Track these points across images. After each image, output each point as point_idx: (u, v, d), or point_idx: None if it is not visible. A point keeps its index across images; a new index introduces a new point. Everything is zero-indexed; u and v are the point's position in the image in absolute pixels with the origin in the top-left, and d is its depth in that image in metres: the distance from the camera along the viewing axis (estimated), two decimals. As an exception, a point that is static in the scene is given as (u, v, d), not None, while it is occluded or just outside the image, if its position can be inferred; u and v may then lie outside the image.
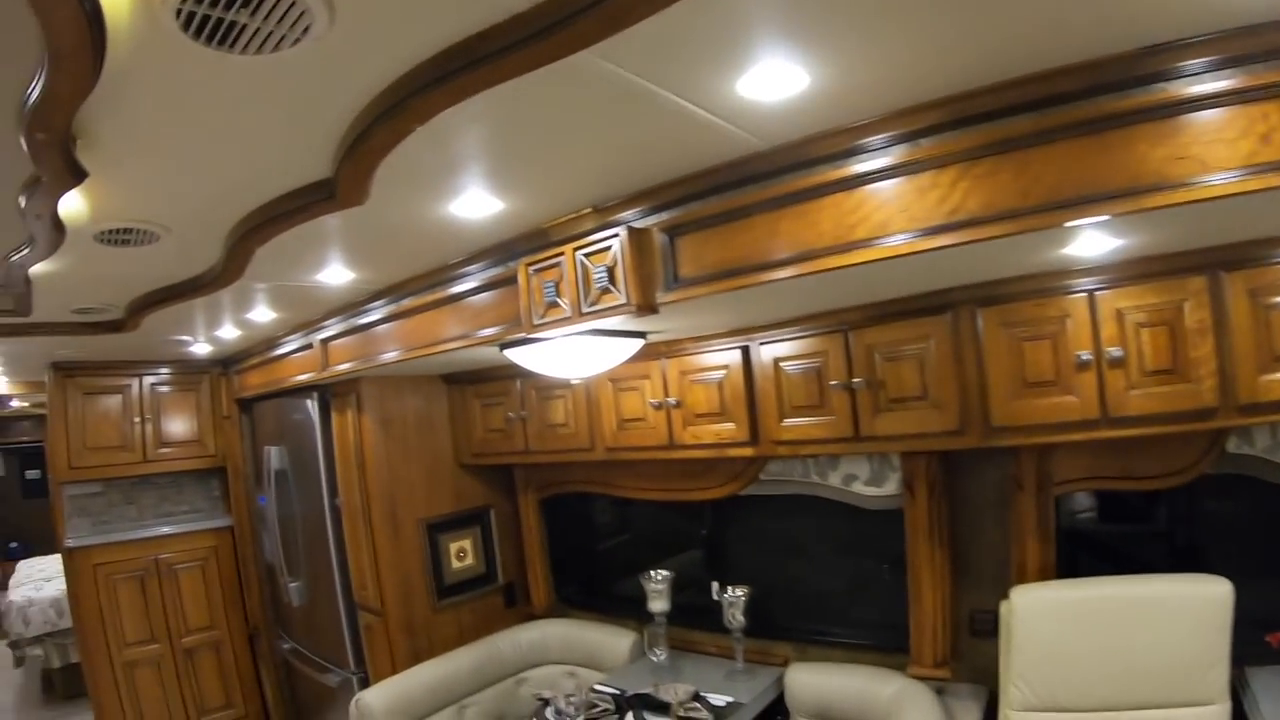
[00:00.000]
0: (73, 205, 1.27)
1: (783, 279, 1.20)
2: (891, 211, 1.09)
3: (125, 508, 3.60)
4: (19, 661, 4.47)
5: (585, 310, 1.44)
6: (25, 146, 0.91)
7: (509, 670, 2.48)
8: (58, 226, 1.30)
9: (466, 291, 1.78)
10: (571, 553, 2.79)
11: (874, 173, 1.11)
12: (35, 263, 1.54)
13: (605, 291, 1.40)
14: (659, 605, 2.24)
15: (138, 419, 3.38)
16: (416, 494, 2.66)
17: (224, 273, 1.70)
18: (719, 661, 2.23)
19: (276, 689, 3.61)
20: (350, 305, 2.20)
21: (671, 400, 2.01)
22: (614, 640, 2.38)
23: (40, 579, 4.69)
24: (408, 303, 1.96)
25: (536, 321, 1.53)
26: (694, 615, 2.32)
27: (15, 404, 5.51)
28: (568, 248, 1.43)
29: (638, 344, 1.78)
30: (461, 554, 2.76)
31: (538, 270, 1.51)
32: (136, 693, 3.37)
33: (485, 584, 2.84)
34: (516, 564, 2.92)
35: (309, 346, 2.56)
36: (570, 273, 1.42)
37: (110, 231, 1.44)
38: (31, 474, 6.80)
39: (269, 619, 3.59)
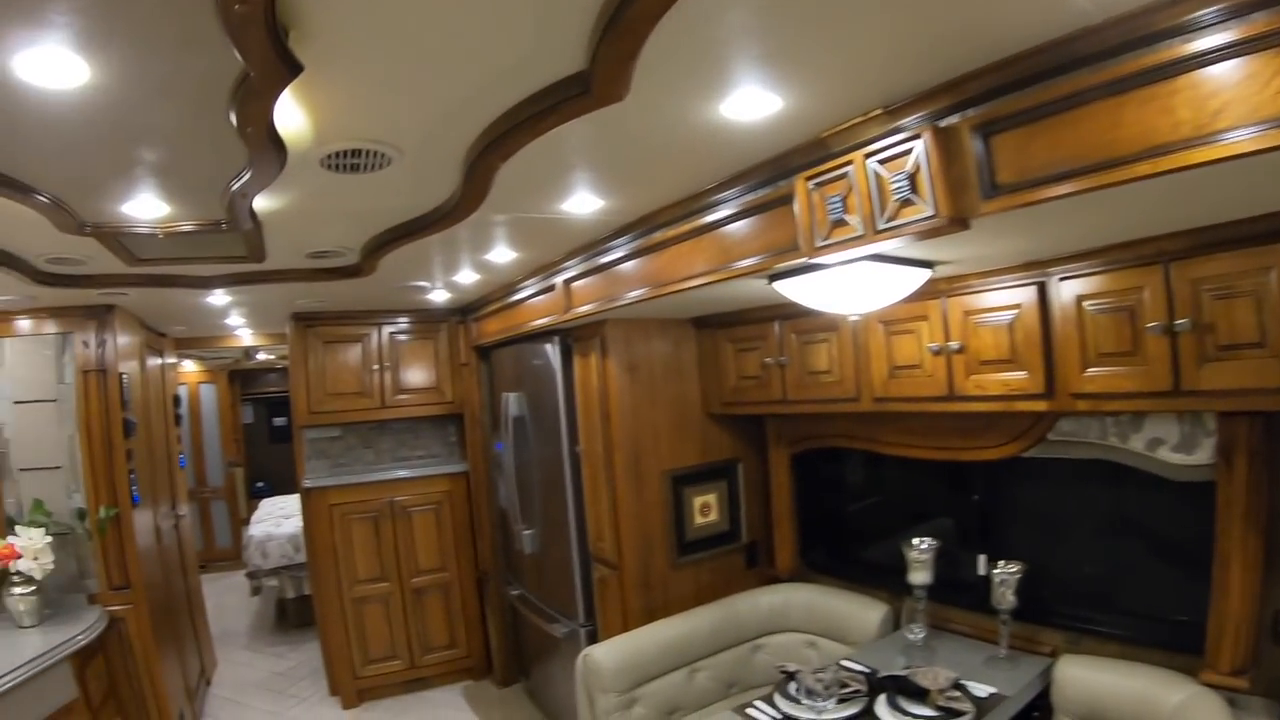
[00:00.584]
0: (292, 123, 1.30)
1: (1133, 180, 1.12)
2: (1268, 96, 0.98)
3: (363, 451, 4.48)
4: (255, 591, 5.70)
5: (881, 227, 1.44)
6: (223, 24, 0.89)
7: (746, 635, 2.67)
8: (276, 143, 1.33)
9: (723, 220, 1.83)
10: (819, 513, 2.94)
11: (1229, 47, 1.01)
12: (257, 190, 1.62)
13: (905, 204, 1.39)
14: (920, 577, 2.26)
15: (376, 367, 4.10)
16: (662, 444, 2.98)
17: (462, 201, 1.79)
18: (977, 645, 2.27)
19: (501, 634, 4.28)
20: (593, 243, 2.40)
21: (953, 345, 2.04)
22: (862, 612, 2.50)
23: (280, 516, 5.88)
24: (656, 236, 2.07)
25: (819, 243, 1.54)
26: (949, 590, 2.37)
27: (261, 356, 6.86)
28: (856, 155, 1.42)
29: (924, 276, 1.83)
30: (705, 509, 3.06)
31: (820, 184, 1.51)
32: (363, 627, 4.21)
33: (727, 542, 3.12)
34: (762, 522, 3.17)
35: (550, 289, 2.83)
36: (861, 184, 1.42)
37: (337, 155, 1.47)
38: (278, 421, 8.55)
39: (499, 565, 4.23)
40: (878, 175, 1.40)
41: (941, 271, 1.93)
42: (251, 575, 5.53)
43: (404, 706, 4.17)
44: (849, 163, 1.44)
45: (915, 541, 2.33)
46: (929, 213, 1.33)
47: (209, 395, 7.79)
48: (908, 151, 1.34)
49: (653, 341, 2.97)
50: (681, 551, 3.00)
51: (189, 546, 4.94)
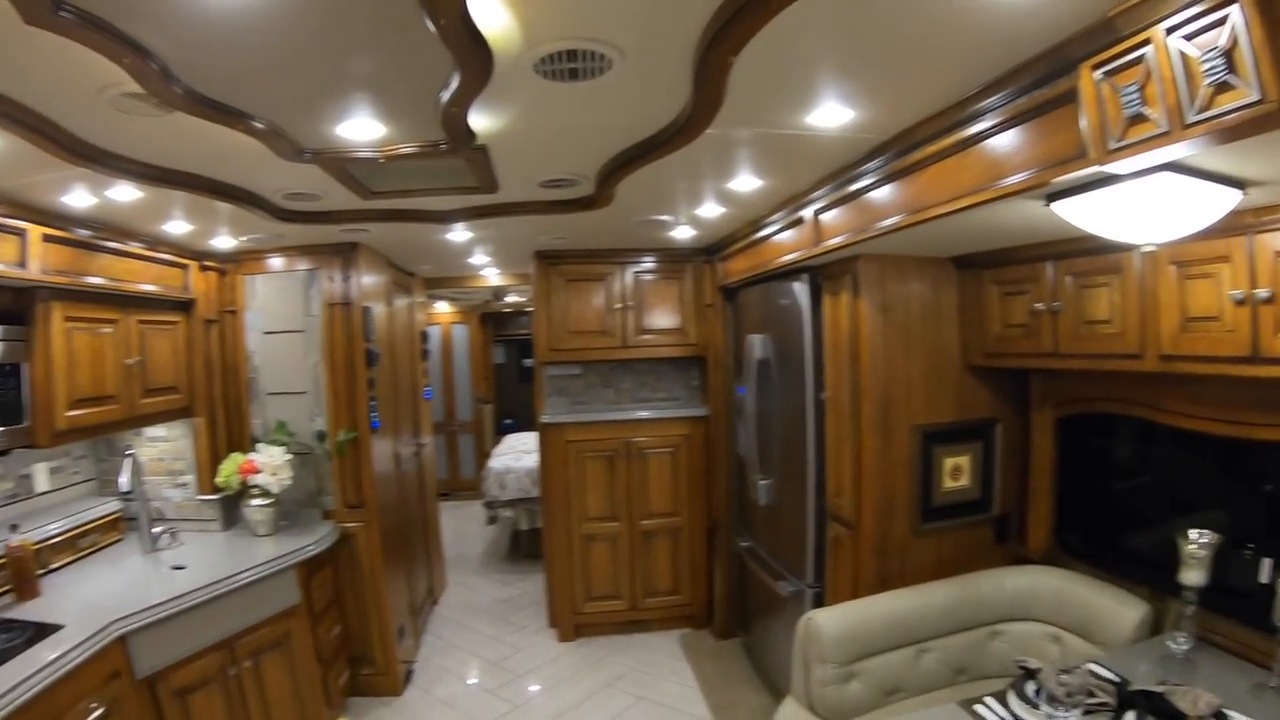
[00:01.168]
0: (496, 21, 1.40)
1: None
2: None
3: (603, 390, 5.12)
4: (491, 520, 6.92)
5: (1190, 120, 1.31)
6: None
7: (984, 619, 2.75)
8: (477, 40, 1.43)
9: (988, 131, 1.83)
10: (1080, 490, 2.92)
11: None
12: (468, 100, 1.77)
13: (1222, 88, 1.28)
14: (1194, 576, 2.17)
15: (619, 306, 4.65)
16: (914, 395, 3.13)
17: (695, 112, 1.87)
18: (1246, 668, 2.13)
19: (726, 585, 4.74)
20: (844, 169, 2.50)
21: (1261, 293, 1.90)
22: (1119, 609, 2.46)
23: (521, 451, 6.94)
24: (912, 156, 2.12)
25: (1113, 145, 1.47)
26: (1218, 597, 2.22)
27: (511, 298, 7.93)
28: (1153, 33, 1.34)
29: (1232, 199, 1.74)
30: (956, 472, 3.18)
31: (1109, 73, 1.44)
32: (589, 563, 4.82)
33: (976, 511, 3.22)
34: (1016, 493, 3.22)
35: (798, 222, 2.99)
36: (1162, 67, 1.34)
37: (550, 58, 1.57)
38: (528, 362, 10.31)
39: (731, 514, 4.68)
40: (1183, 54, 1.31)
41: (1253, 199, 1.83)
42: (489, 505, 6.61)
43: (618, 646, 4.78)
44: (1145, 42, 1.36)
45: (1192, 533, 2.18)
46: (1253, 97, 1.22)
47: (461, 335, 9.42)
48: (1221, 21, 1.24)
49: (909, 282, 3.11)
50: (925, 517, 3.15)
51: (429, 474, 5.94)
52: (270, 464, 3.81)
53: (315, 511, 4.20)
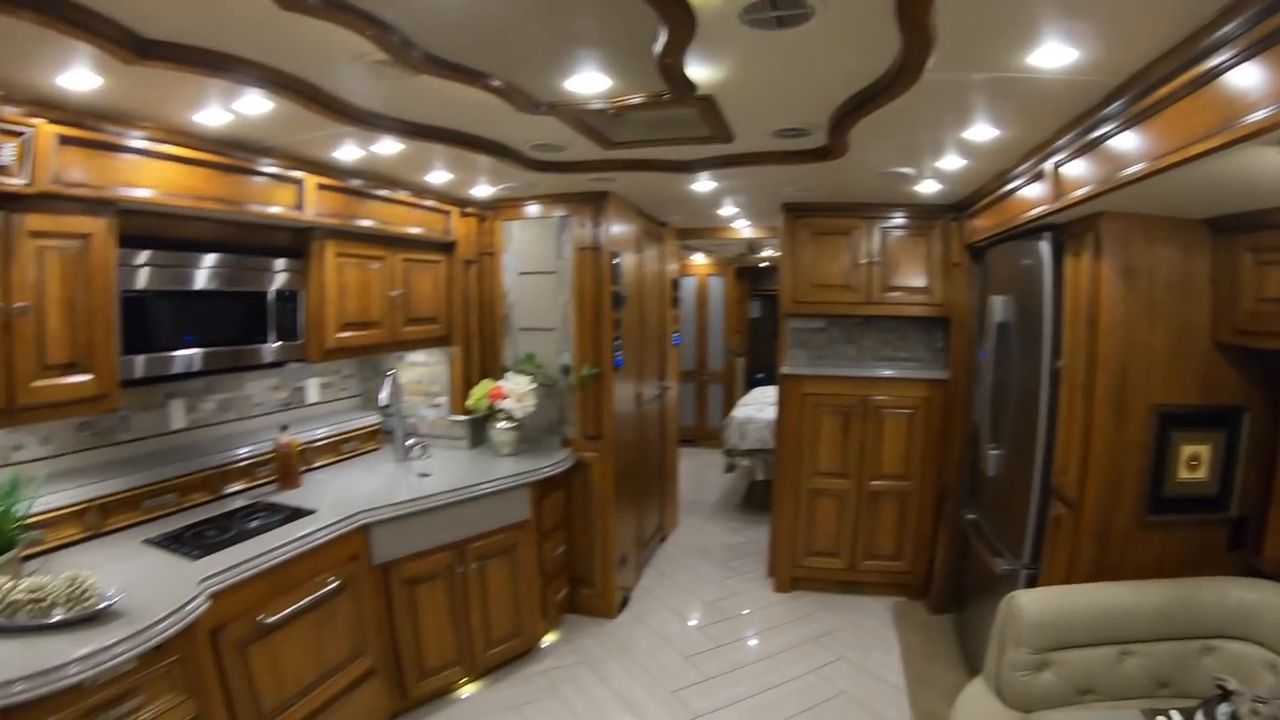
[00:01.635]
0: None
1: None
2: None
3: (845, 346, 5.31)
4: (729, 468, 7.38)
5: None
6: None
7: (1200, 630, 2.62)
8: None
9: (1224, 64, 1.70)
10: None
11: None
12: (680, 53, 1.96)
13: None
14: None
15: (865, 261, 4.82)
16: (1154, 371, 2.91)
17: (907, 56, 1.94)
18: None
19: (947, 558, 4.72)
20: (1081, 115, 2.47)
21: None
22: None
23: (765, 403, 7.36)
24: (1147, 100, 2.05)
25: None
26: None
27: (766, 252, 8.17)
28: None
29: None
30: (1193, 462, 3.00)
31: None
32: (813, 518, 5.11)
33: (1211, 510, 3.02)
34: (1259, 495, 2.98)
35: (1039, 176, 2.96)
36: None
37: (754, 6, 1.70)
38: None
39: (961, 484, 4.74)
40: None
41: None
42: (728, 453, 7.10)
43: (830, 604, 5.01)
44: None
45: None
46: None
47: (717, 287, 9.97)
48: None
49: (1156, 245, 2.99)
50: (1153, 508, 3.04)
51: (671, 417, 6.52)
52: (517, 391, 4.45)
53: (555, 439, 4.85)
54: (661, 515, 6.27)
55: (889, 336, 5.07)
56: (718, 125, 2.78)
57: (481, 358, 4.89)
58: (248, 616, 2.80)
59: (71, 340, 2.54)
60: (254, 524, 3.19)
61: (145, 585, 2.54)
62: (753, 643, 4.52)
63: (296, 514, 3.31)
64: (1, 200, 2.29)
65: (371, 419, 4.76)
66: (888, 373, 4.88)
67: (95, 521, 3.02)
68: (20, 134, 2.24)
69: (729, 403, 9.16)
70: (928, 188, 4.03)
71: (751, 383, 10.05)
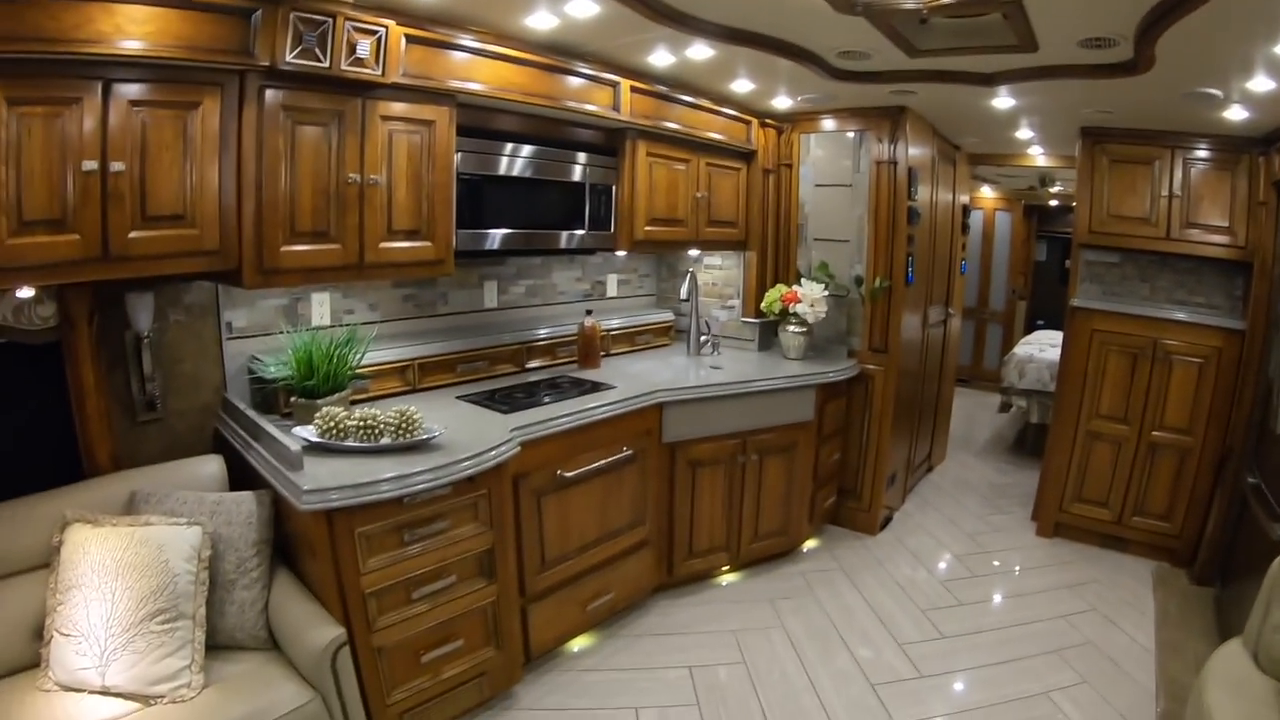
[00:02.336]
0: None
1: None
2: None
3: (1138, 284, 5.28)
4: (1004, 407, 7.84)
5: None
6: None
7: None
8: None
9: None
10: None
11: None
12: None
13: None
14: None
15: (1165, 194, 4.80)
16: None
17: None
18: None
19: (1220, 526, 4.64)
20: None
21: None
22: None
23: (1047, 343, 7.68)
24: None
25: None
26: None
27: (1056, 189, 8.64)
28: None
29: None
30: None
31: None
32: (1086, 463, 5.26)
33: None
34: None
35: None
36: None
37: None
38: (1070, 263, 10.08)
39: (1246, 445, 4.52)
40: None
41: None
42: (1004, 391, 7.57)
43: (1090, 556, 5.18)
44: None
45: None
46: None
47: (1003, 224, 10.18)
48: None
49: None
50: None
51: (952, 346, 6.96)
52: (810, 296, 4.97)
53: (841, 349, 5.40)
54: (931, 445, 6.63)
55: (1185, 279, 5.09)
56: (1023, 33, 2.87)
57: (775, 265, 5.30)
58: (548, 469, 3.35)
59: (414, 212, 3.12)
60: (558, 392, 3.79)
61: (461, 429, 3.08)
62: (1007, 579, 4.77)
63: (597, 386, 3.91)
64: (360, 87, 2.84)
65: (664, 315, 5.42)
66: (1181, 316, 4.88)
67: (414, 378, 3.72)
68: (374, 32, 2.74)
69: (1007, 345, 9.49)
70: (1234, 114, 4.00)
71: (1031, 327, 10.24)
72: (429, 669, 2.91)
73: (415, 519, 2.75)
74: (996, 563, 4.98)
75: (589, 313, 4.55)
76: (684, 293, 4.83)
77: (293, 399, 3.06)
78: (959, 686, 3.58)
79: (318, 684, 2.44)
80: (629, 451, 3.79)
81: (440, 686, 2.96)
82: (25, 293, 2.48)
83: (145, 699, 2.26)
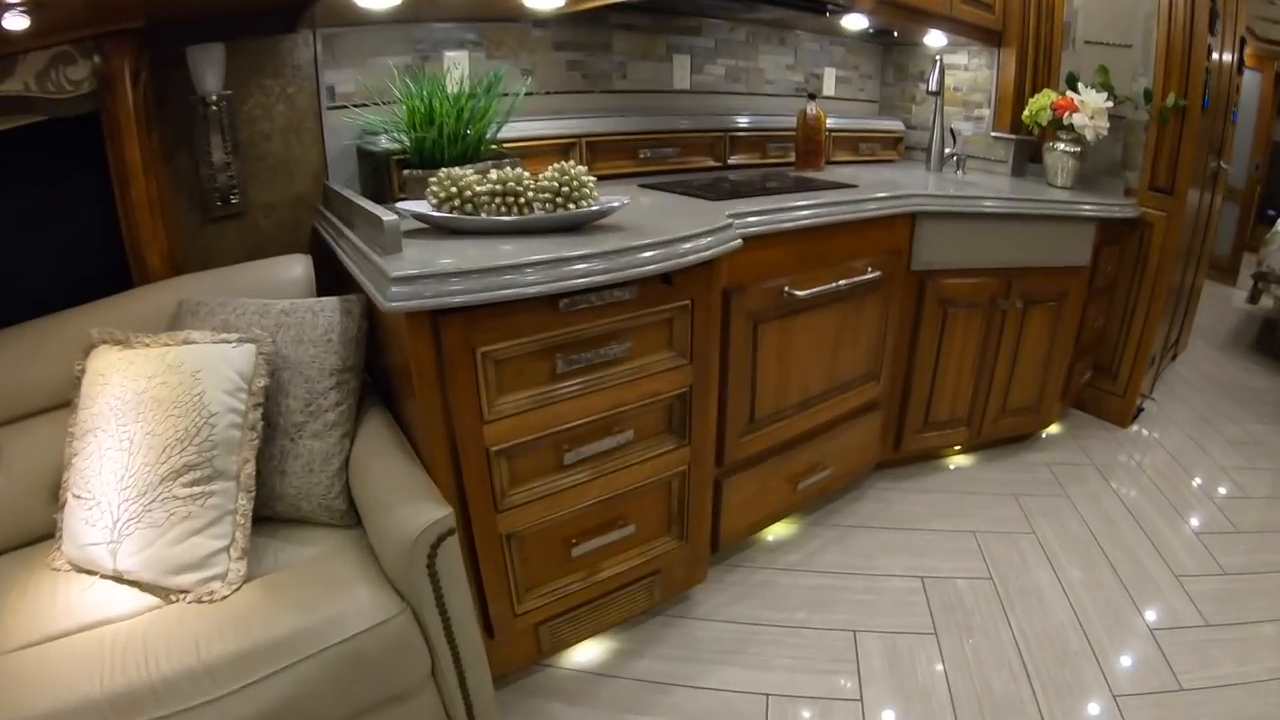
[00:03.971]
0: None
1: None
2: None
3: None
4: (1253, 298, 6.51)
5: None
6: None
7: None
8: None
9: None
10: None
11: None
12: None
13: None
14: None
15: None
16: None
17: None
18: None
19: None
20: None
21: None
22: None
23: None
24: None
25: None
26: None
27: None
28: None
29: None
30: None
31: None
32: None
33: None
34: None
35: None
36: None
37: None
38: None
39: None
40: None
41: None
42: (1259, 278, 6.21)
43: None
44: None
45: None
46: None
47: (1250, 83, 8.16)
48: None
49: None
50: None
51: (1215, 212, 5.66)
52: (1091, 106, 3.79)
53: (1115, 185, 4.21)
54: (1180, 329, 5.61)
55: None
56: None
57: (1034, 71, 4.28)
58: (772, 283, 2.55)
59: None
60: (779, 187, 2.99)
61: (653, 213, 2.37)
62: (1265, 503, 3.72)
63: (832, 185, 3.09)
64: None
65: (893, 124, 4.46)
66: None
67: (582, 161, 2.97)
68: None
69: (1244, 227, 8.22)
70: None
71: (1262, 219, 8.32)
72: (581, 565, 2.20)
73: (576, 337, 1.93)
74: (1271, 483, 4.00)
75: (812, 96, 3.66)
76: (932, 83, 3.88)
77: (405, 172, 2.32)
78: (1256, 646, 2.65)
79: (407, 590, 1.69)
80: (875, 273, 2.90)
81: (595, 590, 2.26)
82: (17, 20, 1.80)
83: (165, 592, 1.67)
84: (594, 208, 2.00)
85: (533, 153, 2.76)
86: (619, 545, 2.24)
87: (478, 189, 1.97)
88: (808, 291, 2.59)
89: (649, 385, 2.13)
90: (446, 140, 2.26)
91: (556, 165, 2.02)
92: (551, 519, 2.06)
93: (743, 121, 3.59)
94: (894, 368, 3.28)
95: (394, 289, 1.61)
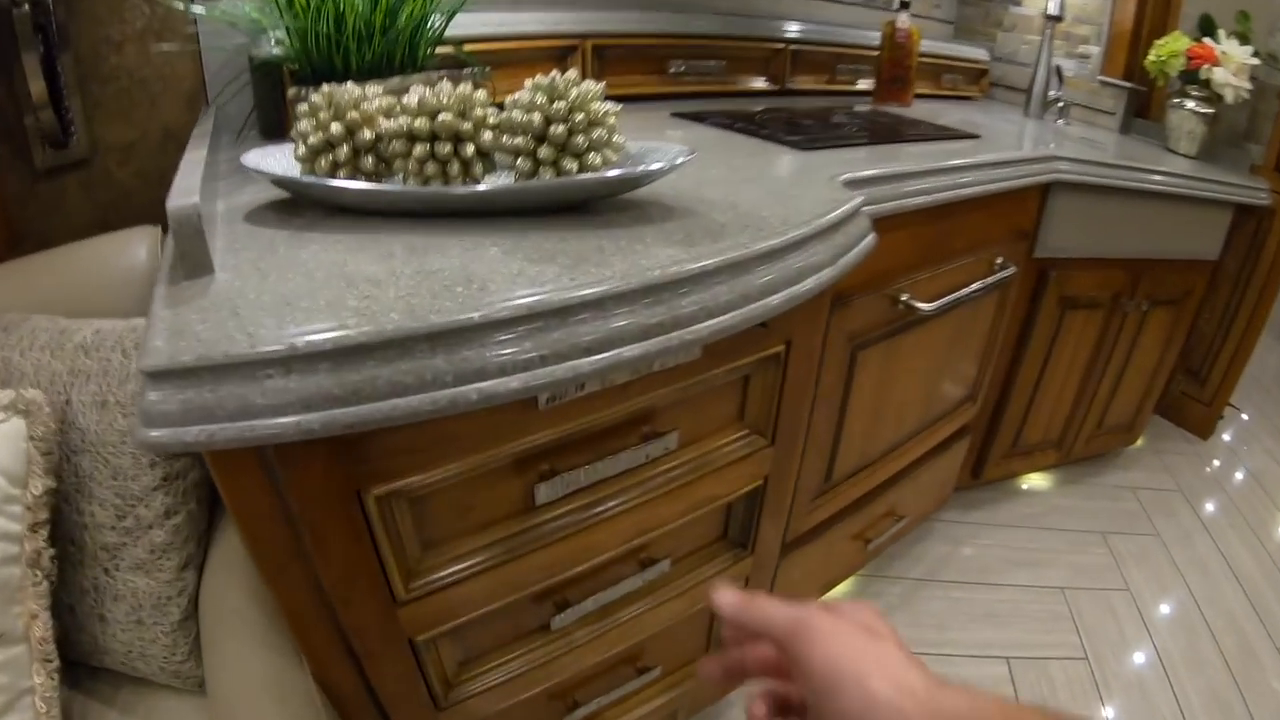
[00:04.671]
0: None
1: None
2: None
3: None
4: None
5: None
6: None
7: None
8: None
9: None
10: None
11: None
12: None
13: None
14: None
15: None
16: None
17: None
18: None
19: None
20: None
21: None
22: None
23: None
24: None
25: None
26: None
27: None
28: None
29: None
30: None
31: None
32: None
33: None
34: None
35: None
36: None
37: None
38: None
39: None
40: None
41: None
42: None
43: None
44: None
45: None
46: None
47: None
48: None
49: None
50: None
51: None
52: (1234, 59, 2.93)
53: (1239, 157, 3.28)
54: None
55: None
56: None
57: (1153, 9, 3.35)
58: (884, 290, 1.72)
59: None
60: (876, 130, 2.12)
61: (710, 171, 1.44)
62: None
63: (949, 133, 2.23)
64: None
65: (977, 52, 3.52)
66: None
67: (588, 73, 2.07)
68: None
69: None
70: None
71: None
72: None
73: (572, 437, 1.05)
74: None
75: (905, 5, 2.62)
76: (1053, 6, 3.00)
77: (292, 92, 1.25)
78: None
79: None
80: (1009, 269, 2.09)
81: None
82: None
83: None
84: (627, 169, 1.04)
85: (509, 59, 1.78)
86: (636, 692, 1.52)
87: (385, 126, 0.97)
88: (933, 304, 1.74)
89: (703, 489, 1.29)
90: (352, 35, 1.21)
91: (540, 78, 1.01)
92: (533, 693, 1.28)
93: (805, 32, 2.57)
94: (994, 382, 2.55)
95: (152, 402, 0.65)
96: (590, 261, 0.88)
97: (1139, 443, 3.55)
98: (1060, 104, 3.23)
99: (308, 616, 0.93)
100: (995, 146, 2.15)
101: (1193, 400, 3.64)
